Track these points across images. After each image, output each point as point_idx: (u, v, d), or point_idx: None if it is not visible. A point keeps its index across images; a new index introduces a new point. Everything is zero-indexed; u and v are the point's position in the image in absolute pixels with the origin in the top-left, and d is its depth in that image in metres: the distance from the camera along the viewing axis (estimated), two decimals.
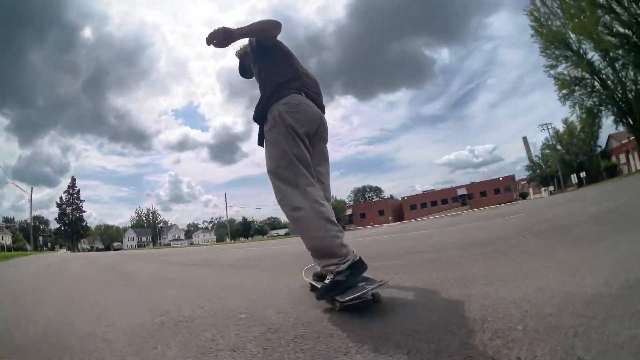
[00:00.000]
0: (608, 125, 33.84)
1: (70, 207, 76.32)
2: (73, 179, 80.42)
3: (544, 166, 61.20)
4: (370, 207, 75.54)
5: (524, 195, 57.58)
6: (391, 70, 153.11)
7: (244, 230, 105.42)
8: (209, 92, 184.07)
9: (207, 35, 1.94)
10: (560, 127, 53.38)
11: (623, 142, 42.93)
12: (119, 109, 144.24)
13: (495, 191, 60.88)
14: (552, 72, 33.39)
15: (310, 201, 1.84)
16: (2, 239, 72.75)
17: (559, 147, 53.85)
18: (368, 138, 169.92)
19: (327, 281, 1.95)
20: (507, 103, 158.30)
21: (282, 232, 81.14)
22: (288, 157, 1.92)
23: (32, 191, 48.87)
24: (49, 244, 76.14)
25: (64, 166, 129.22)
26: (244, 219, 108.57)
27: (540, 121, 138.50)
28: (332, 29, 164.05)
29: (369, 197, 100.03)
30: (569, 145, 52.14)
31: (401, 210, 69.08)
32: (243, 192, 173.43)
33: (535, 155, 65.31)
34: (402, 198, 73.11)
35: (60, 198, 77.01)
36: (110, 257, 13.46)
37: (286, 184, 1.92)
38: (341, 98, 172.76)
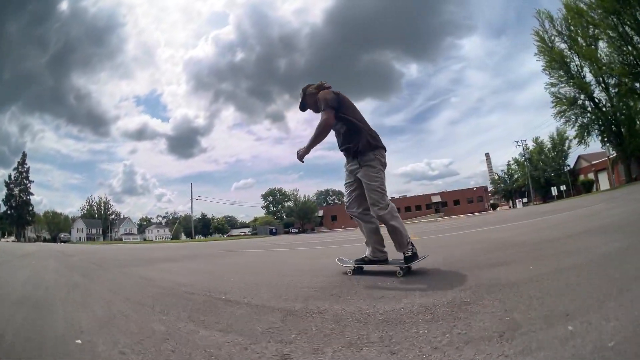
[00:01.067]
0: (591, 144, 36.47)
1: (18, 188, 68.38)
2: (24, 155, 71.91)
3: (508, 180, 65.55)
4: (342, 209, 73.49)
5: (494, 206, 60.60)
6: (359, 79, 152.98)
7: (203, 227, 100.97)
8: (173, 82, 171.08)
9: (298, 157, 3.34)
10: (531, 145, 57.56)
11: (593, 162, 47.03)
12: (80, 89, 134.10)
13: (469, 200, 62.90)
14: (552, 89, 35.72)
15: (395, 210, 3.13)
16: None
17: (527, 164, 57.25)
18: (328, 143, 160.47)
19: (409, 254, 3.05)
20: (468, 121, 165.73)
21: (245, 230, 76.58)
22: (385, 183, 3.13)
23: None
24: None
25: (20, 146, 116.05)
26: (204, 216, 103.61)
27: (498, 141, 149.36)
28: (307, 32, 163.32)
29: (331, 200, 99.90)
30: (538, 162, 55.58)
31: None
32: (199, 188, 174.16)
33: (501, 170, 68.94)
34: None
35: (9, 177, 68.56)
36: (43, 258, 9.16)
37: (386, 196, 3.10)
38: None
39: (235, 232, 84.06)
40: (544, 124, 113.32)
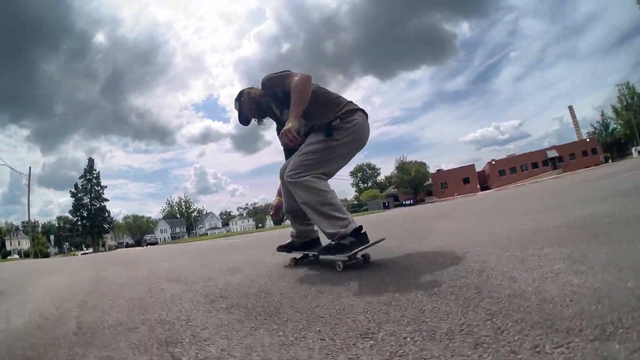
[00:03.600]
0: None
1: (89, 196, 61.84)
2: (91, 160, 63.36)
3: (604, 132, 63.23)
4: (451, 175, 62.71)
5: (607, 159, 53.72)
6: (410, 48, 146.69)
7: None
8: (227, 84, 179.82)
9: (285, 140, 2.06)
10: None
11: None
12: (140, 108, 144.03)
13: (583, 153, 55.00)
14: None
15: None
16: (19, 244, 63.65)
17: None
18: (391, 118, 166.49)
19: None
20: (532, 76, 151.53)
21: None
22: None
23: (30, 172, 34.05)
24: (67, 244, 61.71)
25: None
26: None
27: (567, 95, 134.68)
28: (346, 9, 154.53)
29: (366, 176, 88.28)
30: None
31: (485, 177, 60.95)
32: (268, 180, 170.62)
33: (597, 122, 65.40)
34: (490, 162, 61.23)
35: (75, 185, 60.48)
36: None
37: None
38: (361, 79, 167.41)
39: None
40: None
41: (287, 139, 2.01)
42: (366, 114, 2.37)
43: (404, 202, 55.96)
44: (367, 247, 2.14)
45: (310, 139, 2.30)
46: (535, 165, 56.46)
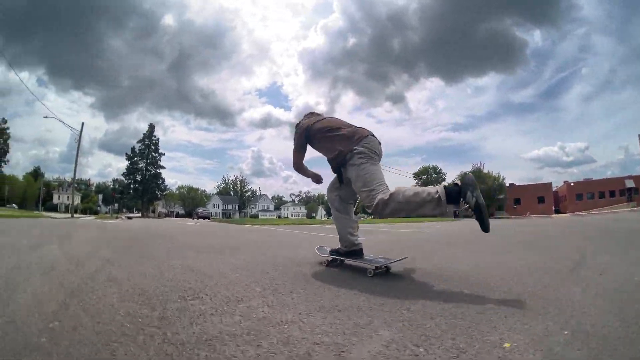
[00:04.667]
0: None
1: (145, 161, 61.61)
2: (151, 126, 63.23)
3: None
4: (526, 191, 57.49)
5: None
6: (479, 52, 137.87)
7: None
8: (291, 73, 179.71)
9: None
10: None
11: None
12: (204, 89, 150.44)
13: None
14: None
15: None
16: (67, 199, 65.20)
17: None
18: (452, 124, 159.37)
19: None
20: (601, 97, 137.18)
21: None
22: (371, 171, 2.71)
23: (82, 128, 32.45)
24: (115, 205, 62.22)
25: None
26: None
27: (635, 121, 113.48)
28: (415, 7, 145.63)
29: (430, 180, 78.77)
30: None
31: (557, 199, 56.19)
32: (321, 172, 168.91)
33: None
34: (568, 183, 56.11)
35: (132, 149, 60.49)
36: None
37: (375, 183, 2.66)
38: (426, 80, 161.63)
39: None
40: None
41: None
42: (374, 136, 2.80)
43: None
44: (392, 262, 2.80)
45: (352, 171, 2.66)
46: (612, 194, 50.78)
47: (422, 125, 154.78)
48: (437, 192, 2.22)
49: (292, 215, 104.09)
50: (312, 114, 3.21)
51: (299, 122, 3.09)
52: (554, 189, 58.08)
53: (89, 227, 9.53)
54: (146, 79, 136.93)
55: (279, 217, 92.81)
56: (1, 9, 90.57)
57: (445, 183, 2.31)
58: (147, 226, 11.11)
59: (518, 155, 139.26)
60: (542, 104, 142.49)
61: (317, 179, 3.22)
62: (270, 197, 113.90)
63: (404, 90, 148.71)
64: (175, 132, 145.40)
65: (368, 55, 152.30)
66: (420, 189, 2.35)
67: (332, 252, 3.07)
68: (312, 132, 2.90)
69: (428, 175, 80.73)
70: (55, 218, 16.15)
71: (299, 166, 3.12)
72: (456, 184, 2.21)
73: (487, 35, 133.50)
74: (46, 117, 47.80)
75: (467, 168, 60.70)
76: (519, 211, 52.15)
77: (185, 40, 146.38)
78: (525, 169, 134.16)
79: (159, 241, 5.40)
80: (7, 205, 45.29)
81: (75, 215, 32.73)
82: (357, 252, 2.93)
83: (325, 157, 2.87)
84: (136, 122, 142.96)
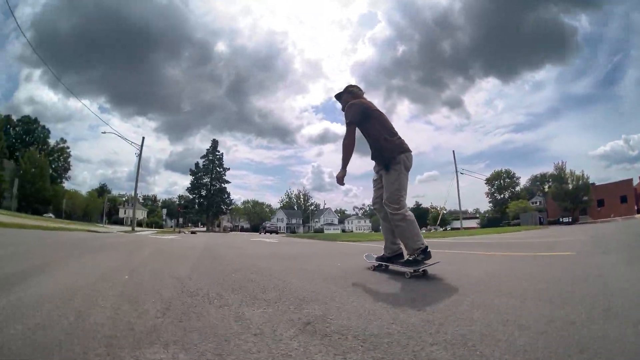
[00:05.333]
0: None
1: (210, 176, 62.53)
2: (214, 142, 63.90)
3: None
4: (607, 191, 49.82)
5: None
6: (531, 45, 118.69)
7: (419, 219, 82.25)
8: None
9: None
10: None
11: None
12: (262, 109, 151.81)
13: None
14: None
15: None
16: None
17: None
18: (514, 125, 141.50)
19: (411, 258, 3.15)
20: None
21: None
22: (404, 186, 3.24)
23: (142, 141, 33.18)
24: (178, 220, 63.81)
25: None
26: (417, 205, 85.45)
27: None
28: (459, 7, 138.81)
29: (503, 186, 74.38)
30: None
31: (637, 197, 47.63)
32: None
33: None
34: None
35: (196, 164, 61.44)
36: None
37: (403, 199, 3.21)
38: (482, 81, 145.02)
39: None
40: None
41: (338, 182, 3.40)
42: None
43: (560, 219, 45.40)
44: (428, 265, 3.06)
45: (390, 176, 3.19)
46: None
47: (482, 129, 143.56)
48: (425, 244, 3.03)
49: (356, 229, 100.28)
50: (359, 88, 3.56)
51: (350, 90, 3.53)
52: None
53: (113, 248, 6.42)
54: (206, 103, 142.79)
55: (343, 230, 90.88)
56: (61, 41, 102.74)
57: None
58: (212, 247, 7.43)
59: (586, 153, 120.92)
60: (601, 94, 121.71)
61: (342, 178, 3.40)
62: (333, 210, 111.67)
63: (460, 93, 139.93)
64: (238, 151, 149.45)
65: (419, 61, 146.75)
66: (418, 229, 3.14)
67: (378, 258, 3.49)
68: (367, 112, 3.33)
69: (501, 181, 73.96)
70: (97, 232, 15.14)
71: (352, 143, 3.33)
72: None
73: (536, 25, 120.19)
74: (104, 132, 49.80)
75: (537, 171, 53.78)
76: (603, 214, 45.08)
77: (240, 64, 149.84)
78: (595, 168, 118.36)
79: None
80: (45, 215, 46.62)
81: (137, 228, 32.54)
82: (398, 257, 3.34)
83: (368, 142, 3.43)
84: (199, 143, 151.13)
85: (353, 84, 3.57)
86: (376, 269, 3.35)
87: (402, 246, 3.26)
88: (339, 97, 3.57)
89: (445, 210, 58.81)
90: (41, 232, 9.78)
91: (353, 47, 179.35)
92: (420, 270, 2.97)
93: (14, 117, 64.91)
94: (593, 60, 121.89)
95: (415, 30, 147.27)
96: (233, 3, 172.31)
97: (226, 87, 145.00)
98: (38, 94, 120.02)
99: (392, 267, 3.28)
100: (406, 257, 3.17)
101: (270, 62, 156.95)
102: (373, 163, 3.36)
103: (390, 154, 3.17)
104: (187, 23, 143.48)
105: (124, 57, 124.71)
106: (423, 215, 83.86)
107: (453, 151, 48.23)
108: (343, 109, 3.43)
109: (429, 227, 79.47)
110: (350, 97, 3.42)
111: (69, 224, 22.05)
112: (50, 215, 47.48)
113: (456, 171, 41.16)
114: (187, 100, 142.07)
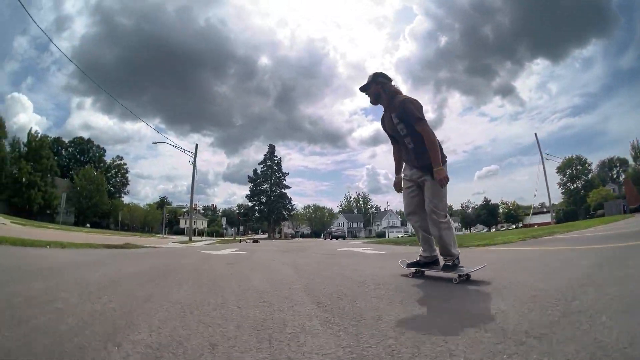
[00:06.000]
0: None
1: (269, 182, 60.32)
2: (271, 147, 61.38)
3: None
4: None
5: None
6: (572, 19, 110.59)
7: (488, 216, 76.40)
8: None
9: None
10: None
11: None
12: (311, 116, 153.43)
13: None
14: None
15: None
16: (195, 223, 67.01)
17: None
18: (570, 108, 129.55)
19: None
20: None
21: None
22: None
23: (196, 148, 31.28)
24: (238, 228, 61.85)
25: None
26: (487, 202, 77.76)
27: None
28: None
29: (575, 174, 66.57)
30: None
31: None
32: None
33: None
34: None
35: (254, 171, 59.26)
36: None
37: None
38: (531, 64, 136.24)
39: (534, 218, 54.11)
40: None
41: (444, 183, 3.01)
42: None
43: None
44: (476, 270, 3.11)
45: (435, 183, 3.06)
46: None
47: (538, 116, 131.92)
48: (458, 254, 3.16)
49: None
50: (388, 77, 3.40)
51: (380, 80, 3.32)
52: None
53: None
54: (256, 115, 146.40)
55: (406, 233, 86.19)
56: (109, 71, 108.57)
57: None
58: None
59: None
60: None
61: (447, 177, 3.15)
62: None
63: (510, 80, 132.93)
64: (292, 159, 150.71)
65: (463, 50, 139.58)
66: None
67: (412, 264, 3.47)
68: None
69: (573, 169, 65.96)
70: (146, 247, 11.88)
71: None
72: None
73: None
74: (155, 142, 50.12)
75: (600, 157, 45.81)
76: None
77: (285, 75, 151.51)
78: None
79: None
80: (88, 225, 47.68)
81: (196, 238, 30.92)
82: (434, 263, 3.36)
83: (405, 146, 3.32)
84: (254, 154, 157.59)
85: (379, 72, 3.38)
86: (414, 275, 3.37)
87: (438, 253, 3.30)
88: (366, 88, 3.34)
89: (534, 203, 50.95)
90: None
91: (394, 44, 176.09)
92: (465, 274, 3.01)
93: (65, 139, 69.39)
94: (631, 30, 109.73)
95: (454, 19, 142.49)
96: (268, 16, 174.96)
97: (274, 98, 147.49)
98: (93, 120, 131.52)
99: (428, 272, 3.38)
100: (442, 262, 3.22)
101: (314, 69, 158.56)
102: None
103: (443, 159, 3.13)
104: (228, 42, 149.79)
105: (172, 80, 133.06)
106: (492, 212, 76.72)
107: (535, 134, 43.80)
108: (374, 102, 3.37)
109: (500, 225, 72.65)
110: (379, 88, 3.30)
111: (126, 236, 20.20)
112: (87, 225, 48.66)
113: (541, 157, 34.84)
114: (238, 114, 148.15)
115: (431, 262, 3.34)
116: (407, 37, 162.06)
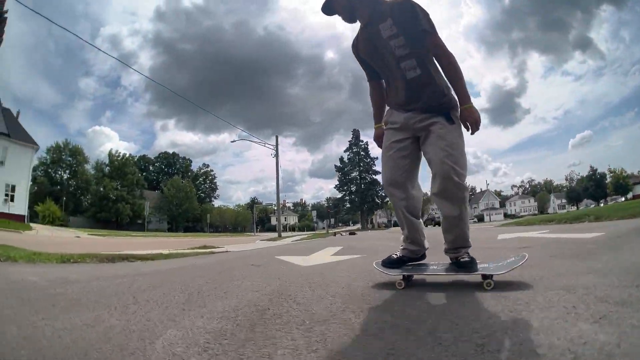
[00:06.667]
0: None
1: (357, 169, 56.14)
2: (355, 132, 57.36)
3: None
4: None
5: None
6: None
7: (596, 188, 66.42)
8: (466, 57, 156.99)
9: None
10: None
11: None
12: None
13: None
14: None
15: None
16: (285, 220, 69.23)
17: None
18: None
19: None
20: None
21: None
22: None
23: (277, 140, 28.60)
24: (330, 220, 58.65)
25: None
26: (593, 171, 66.44)
27: None
28: None
29: None
30: None
31: None
32: (532, 155, 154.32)
33: None
34: None
35: (340, 159, 55.45)
36: None
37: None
38: (598, 11, 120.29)
39: None
40: None
41: (476, 127, 1.91)
42: None
43: None
44: (516, 267, 1.87)
45: (455, 131, 1.95)
46: None
47: (620, 69, 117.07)
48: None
49: (520, 210, 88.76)
50: None
51: None
52: None
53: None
54: (333, 110, 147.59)
55: (505, 214, 77.33)
56: (187, 91, 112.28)
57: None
58: None
59: None
60: None
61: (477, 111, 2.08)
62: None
63: (584, 31, 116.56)
64: (374, 148, 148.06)
65: (530, 5, 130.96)
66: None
67: (396, 261, 2.35)
68: None
69: None
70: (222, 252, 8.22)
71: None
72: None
73: None
74: (233, 141, 55.03)
75: None
76: None
77: (353, 65, 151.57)
78: None
79: None
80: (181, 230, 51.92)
81: (285, 234, 29.53)
82: (422, 258, 2.25)
83: (403, 77, 1.97)
84: (336, 148, 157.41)
85: None
86: (409, 281, 2.12)
87: (427, 245, 2.17)
88: (329, 4, 2.07)
89: None
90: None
91: (457, 12, 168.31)
92: (491, 275, 1.82)
93: (150, 156, 75.02)
94: None
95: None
96: (320, 12, 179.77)
97: (348, 90, 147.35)
98: (179, 138, 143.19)
99: (418, 276, 2.19)
100: (453, 259, 2.02)
101: None
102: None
103: (453, 98, 1.96)
104: (290, 44, 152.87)
105: (246, 90, 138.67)
106: (600, 184, 64.50)
107: None
108: (348, 19, 2.11)
109: (610, 197, 60.25)
110: None
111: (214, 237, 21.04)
112: (181, 229, 54.09)
113: None
114: (315, 111, 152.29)
115: (418, 258, 2.16)
116: (468, 1, 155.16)
